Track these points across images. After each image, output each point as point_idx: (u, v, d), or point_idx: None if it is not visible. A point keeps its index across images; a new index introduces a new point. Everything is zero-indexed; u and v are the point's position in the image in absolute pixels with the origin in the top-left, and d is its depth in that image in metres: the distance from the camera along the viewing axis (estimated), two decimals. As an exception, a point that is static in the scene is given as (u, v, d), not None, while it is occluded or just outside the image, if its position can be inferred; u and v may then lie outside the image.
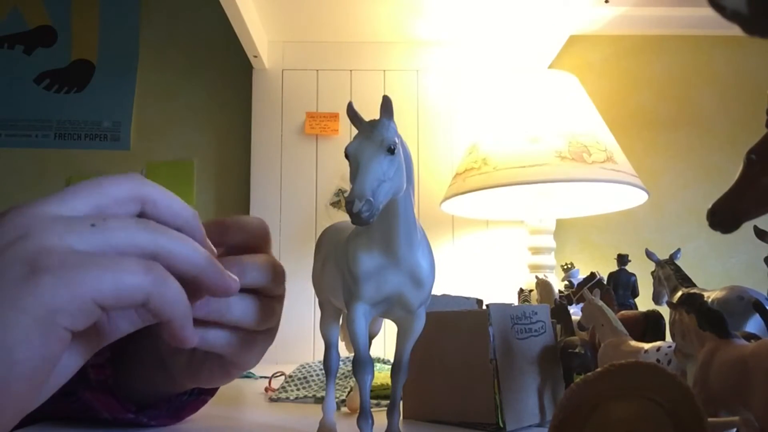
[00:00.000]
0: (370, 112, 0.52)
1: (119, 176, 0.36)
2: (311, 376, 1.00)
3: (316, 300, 0.69)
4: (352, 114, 0.54)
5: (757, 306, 0.68)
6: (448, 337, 0.72)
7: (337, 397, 0.83)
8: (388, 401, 0.58)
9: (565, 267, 1.21)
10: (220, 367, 0.51)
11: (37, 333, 0.28)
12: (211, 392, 0.63)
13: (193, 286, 0.36)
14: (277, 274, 0.49)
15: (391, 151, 0.48)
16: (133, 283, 0.31)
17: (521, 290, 1.24)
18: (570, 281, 1.15)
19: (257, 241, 0.49)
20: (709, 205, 0.42)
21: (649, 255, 0.94)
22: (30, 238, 0.30)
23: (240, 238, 0.48)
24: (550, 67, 1.63)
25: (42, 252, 0.29)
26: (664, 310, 0.81)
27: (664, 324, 0.83)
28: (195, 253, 0.35)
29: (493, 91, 1.47)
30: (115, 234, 0.32)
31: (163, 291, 0.32)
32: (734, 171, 0.42)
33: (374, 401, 0.81)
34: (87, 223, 0.31)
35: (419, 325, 0.57)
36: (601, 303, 0.72)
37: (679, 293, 0.86)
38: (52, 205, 0.32)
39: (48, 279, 0.28)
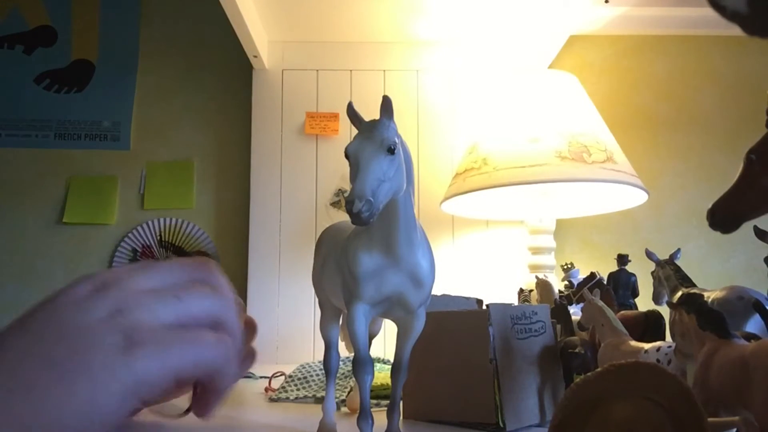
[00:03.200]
0: (370, 112, 0.52)
1: (204, 295, 0.40)
2: (311, 376, 1.00)
3: (316, 300, 0.69)
4: (352, 114, 0.54)
5: (757, 306, 0.68)
6: (448, 337, 0.72)
7: (337, 397, 0.83)
8: (388, 401, 0.58)
9: (565, 267, 1.21)
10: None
11: (119, 400, 0.32)
12: None
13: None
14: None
15: (391, 151, 0.48)
16: (208, 358, 0.36)
17: (521, 290, 1.24)
18: (570, 281, 1.15)
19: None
20: (709, 205, 0.42)
21: (649, 255, 0.94)
22: (125, 313, 0.34)
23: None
24: (550, 67, 1.63)
25: (136, 327, 0.34)
26: (664, 310, 0.81)
27: (664, 324, 0.84)
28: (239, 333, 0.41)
29: (493, 91, 1.47)
30: (196, 306, 0.37)
31: (227, 369, 0.37)
32: (734, 171, 0.42)
33: (374, 401, 0.81)
34: (173, 296, 0.36)
35: (419, 325, 0.57)
36: (601, 303, 0.72)
37: (679, 293, 0.86)
38: (140, 280, 0.37)
39: (141, 353, 0.33)
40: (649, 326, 0.83)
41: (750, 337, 0.56)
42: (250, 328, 0.47)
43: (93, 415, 0.31)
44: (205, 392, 0.39)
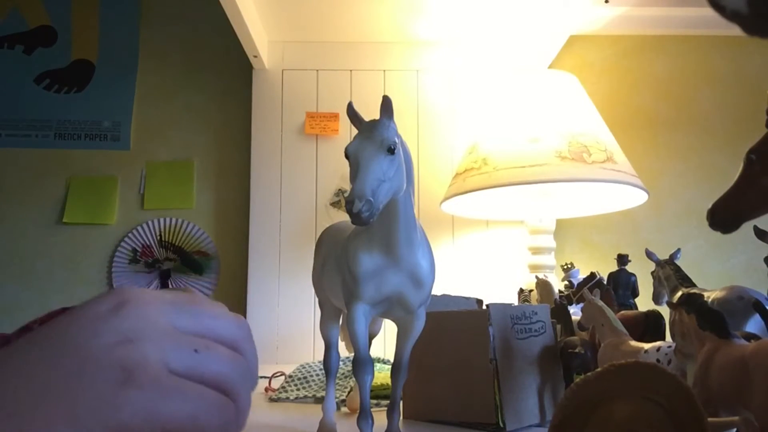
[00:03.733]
0: (370, 112, 0.52)
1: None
2: (311, 376, 1.00)
3: (316, 300, 0.69)
4: (352, 114, 0.54)
5: (757, 306, 0.68)
6: (448, 337, 0.72)
7: (337, 397, 0.83)
8: (388, 401, 0.58)
9: (565, 267, 1.21)
10: None
11: None
12: None
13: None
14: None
15: (391, 151, 0.48)
16: (206, 420, 0.33)
17: (521, 290, 1.24)
18: (570, 281, 1.15)
19: None
20: (709, 205, 0.42)
21: (649, 255, 0.94)
22: (135, 344, 0.32)
23: None
24: (550, 67, 1.63)
25: (139, 364, 0.31)
26: (664, 310, 0.81)
27: (664, 324, 0.84)
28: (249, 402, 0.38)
29: (493, 91, 1.47)
30: (210, 366, 0.34)
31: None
32: (734, 171, 0.42)
33: (374, 401, 0.81)
34: (192, 347, 0.34)
35: (419, 325, 0.57)
36: (601, 303, 0.72)
37: (679, 293, 0.86)
38: (167, 314, 0.34)
39: (133, 395, 0.30)
40: (649, 326, 0.83)
41: (750, 337, 0.56)
42: None
43: None
44: None
